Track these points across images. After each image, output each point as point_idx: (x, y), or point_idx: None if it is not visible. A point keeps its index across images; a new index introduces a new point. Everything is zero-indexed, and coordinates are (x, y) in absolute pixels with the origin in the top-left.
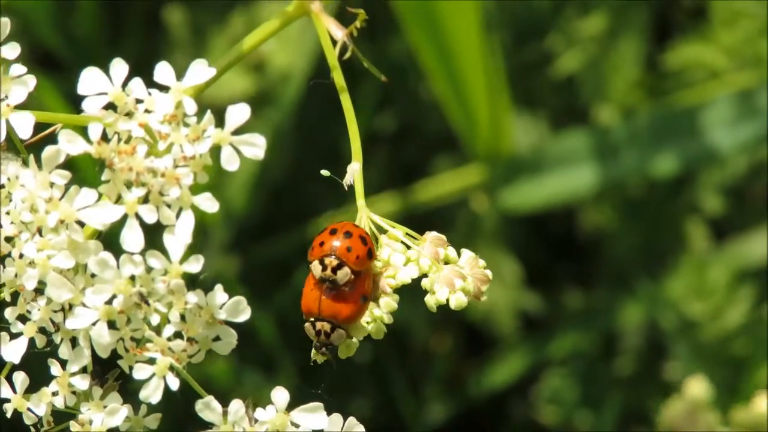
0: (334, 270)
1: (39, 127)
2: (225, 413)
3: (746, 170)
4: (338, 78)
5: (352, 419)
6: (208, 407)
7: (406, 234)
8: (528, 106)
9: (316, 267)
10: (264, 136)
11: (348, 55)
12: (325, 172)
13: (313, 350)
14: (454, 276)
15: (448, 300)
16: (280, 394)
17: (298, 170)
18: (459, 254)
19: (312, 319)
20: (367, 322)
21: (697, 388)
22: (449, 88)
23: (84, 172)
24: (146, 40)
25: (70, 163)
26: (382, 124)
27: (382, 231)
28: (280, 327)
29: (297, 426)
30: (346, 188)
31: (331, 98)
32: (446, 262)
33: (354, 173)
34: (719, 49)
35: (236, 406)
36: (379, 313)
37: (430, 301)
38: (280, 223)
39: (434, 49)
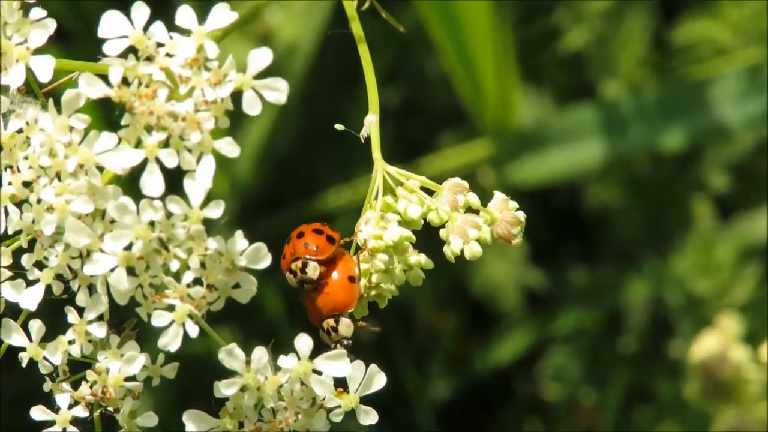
0: (303, 270)
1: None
2: (248, 362)
3: (752, 148)
4: (356, 28)
5: (373, 366)
6: (230, 355)
7: (424, 184)
8: (534, 82)
9: (289, 278)
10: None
11: (366, 5)
12: (339, 126)
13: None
14: (468, 226)
15: (462, 251)
16: (304, 341)
17: (304, 144)
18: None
19: (323, 325)
20: (404, 270)
21: (729, 323)
22: (458, 62)
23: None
24: (154, 13)
25: None
26: (389, 99)
27: (399, 183)
28: (286, 301)
29: (320, 373)
30: (363, 141)
31: (337, 72)
32: (468, 208)
33: (370, 125)
34: (726, 25)
35: (259, 353)
36: (415, 260)
37: (447, 252)
38: (287, 196)
39: (444, 22)
